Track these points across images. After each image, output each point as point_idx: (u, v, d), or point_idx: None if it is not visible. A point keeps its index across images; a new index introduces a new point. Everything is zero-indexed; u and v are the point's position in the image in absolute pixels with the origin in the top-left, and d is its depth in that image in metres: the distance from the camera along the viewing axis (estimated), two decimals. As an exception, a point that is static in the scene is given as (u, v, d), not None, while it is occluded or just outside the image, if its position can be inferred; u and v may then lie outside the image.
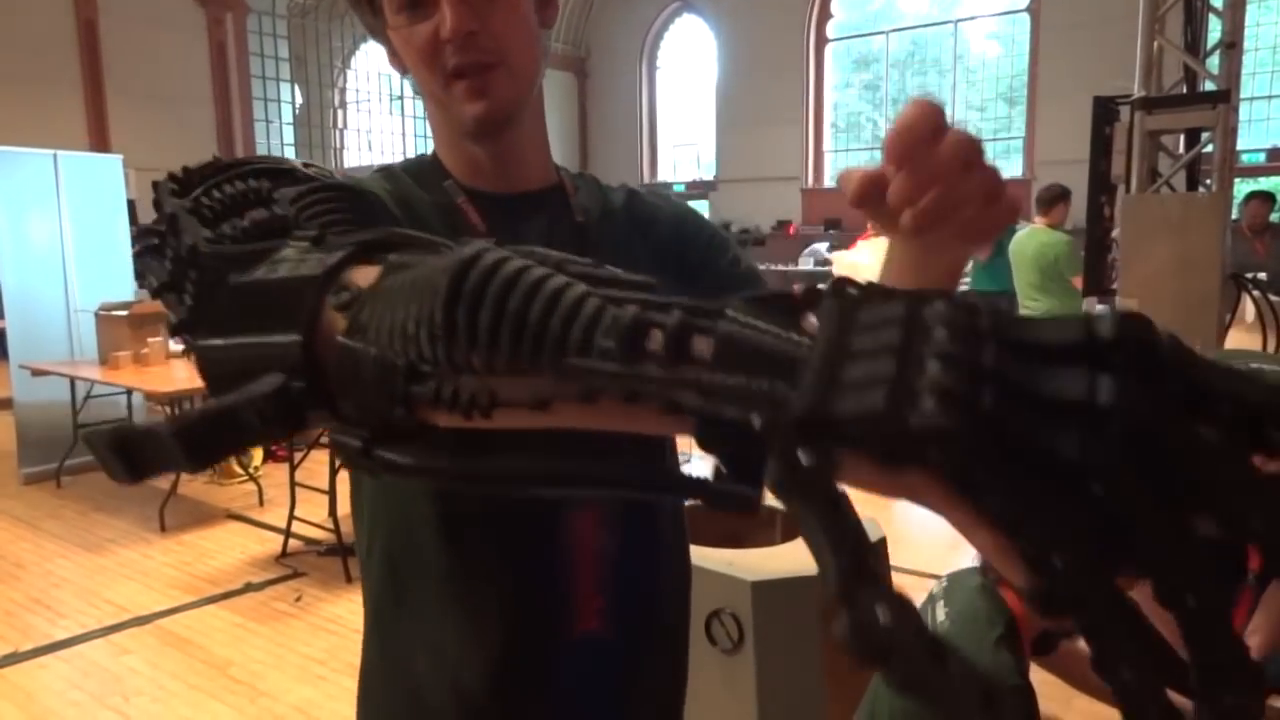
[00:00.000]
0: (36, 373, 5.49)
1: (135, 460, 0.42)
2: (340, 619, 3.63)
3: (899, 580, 2.44)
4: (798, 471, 0.28)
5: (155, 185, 0.62)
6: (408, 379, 0.38)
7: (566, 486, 0.40)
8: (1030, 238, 5.39)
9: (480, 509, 0.86)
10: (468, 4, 0.78)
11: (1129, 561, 0.26)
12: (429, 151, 0.93)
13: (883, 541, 2.36)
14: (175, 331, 0.53)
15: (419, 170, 0.89)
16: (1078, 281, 4.88)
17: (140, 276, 0.64)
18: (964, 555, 1.89)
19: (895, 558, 2.45)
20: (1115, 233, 4.14)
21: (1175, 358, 0.27)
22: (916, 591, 1.97)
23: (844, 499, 0.28)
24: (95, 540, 4.62)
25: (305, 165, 0.64)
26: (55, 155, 5.91)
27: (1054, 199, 5.35)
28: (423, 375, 0.38)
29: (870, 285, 0.32)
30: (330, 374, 0.41)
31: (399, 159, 0.93)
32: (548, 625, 0.88)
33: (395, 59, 0.86)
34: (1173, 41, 3.95)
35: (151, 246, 0.60)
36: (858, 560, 0.27)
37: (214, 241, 0.51)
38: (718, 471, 0.36)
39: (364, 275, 0.43)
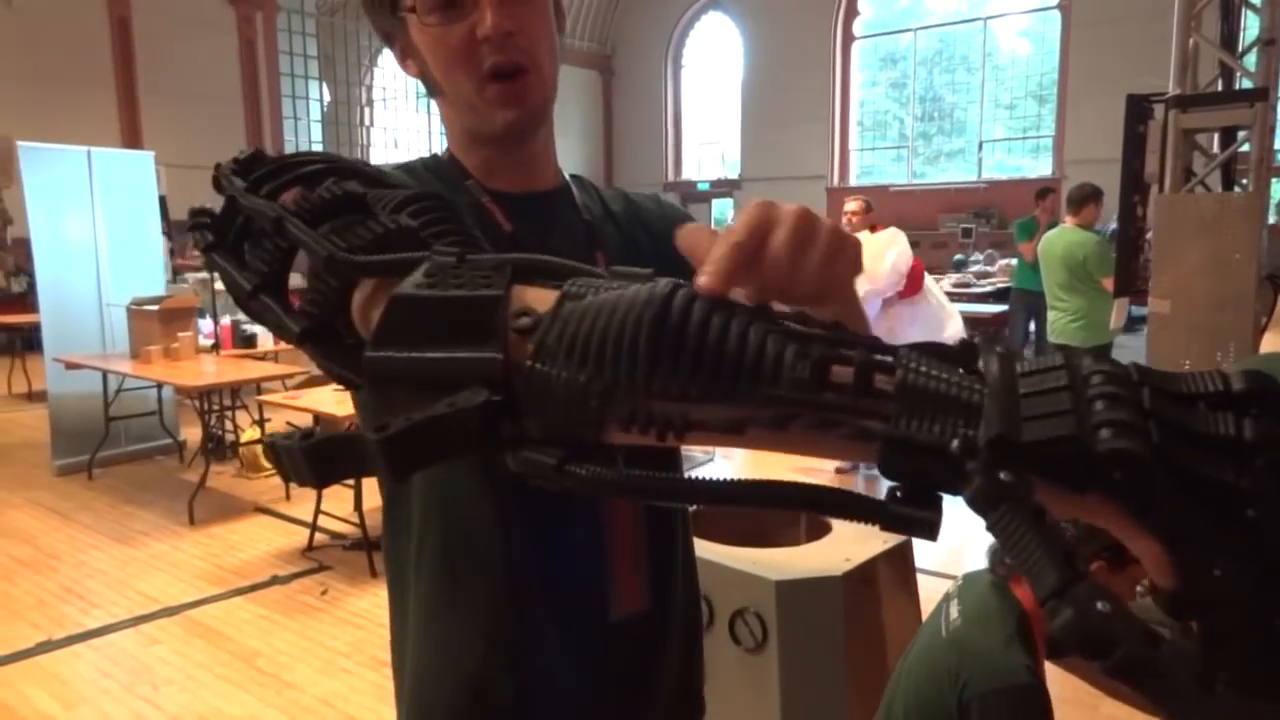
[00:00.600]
0: (70, 366, 5.58)
1: (329, 468, 0.44)
2: (365, 613, 3.66)
3: (926, 581, 2.42)
4: (1001, 487, 0.32)
5: (217, 177, 0.61)
6: (603, 400, 0.40)
7: (766, 503, 0.42)
8: (1059, 237, 5.33)
9: (533, 504, 0.87)
10: (505, 6, 0.78)
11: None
12: (443, 151, 0.93)
13: (908, 543, 2.34)
14: (300, 340, 0.53)
15: (439, 170, 0.90)
16: (1108, 283, 4.81)
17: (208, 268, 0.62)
18: (979, 556, 1.88)
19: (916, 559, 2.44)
20: (1149, 233, 4.08)
21: None
22: (935, 592, 1.95)
23: (1044, 510, 0.32)
24: (126, 532, 4.69)
25: (363, 163, 0.64)
26: (89, 152, 6.00)
27: (1084, 199, 5.28)
28: (617, 399, 0.41)
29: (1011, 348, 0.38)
30: (518, 391, 0.42)
31: (425, 156, 0.94)
32: (596, 607, 0.91)
33: (409, 61, 0.86)
34: (1209, 38, 3.88)
35: (215, 243, 0.59)
36: (1070, 562, 0.31)
37: (348, 251, 0.51)
38: (892, 495, 0.38)
39: (533, 296, 0.45)
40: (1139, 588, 1.62)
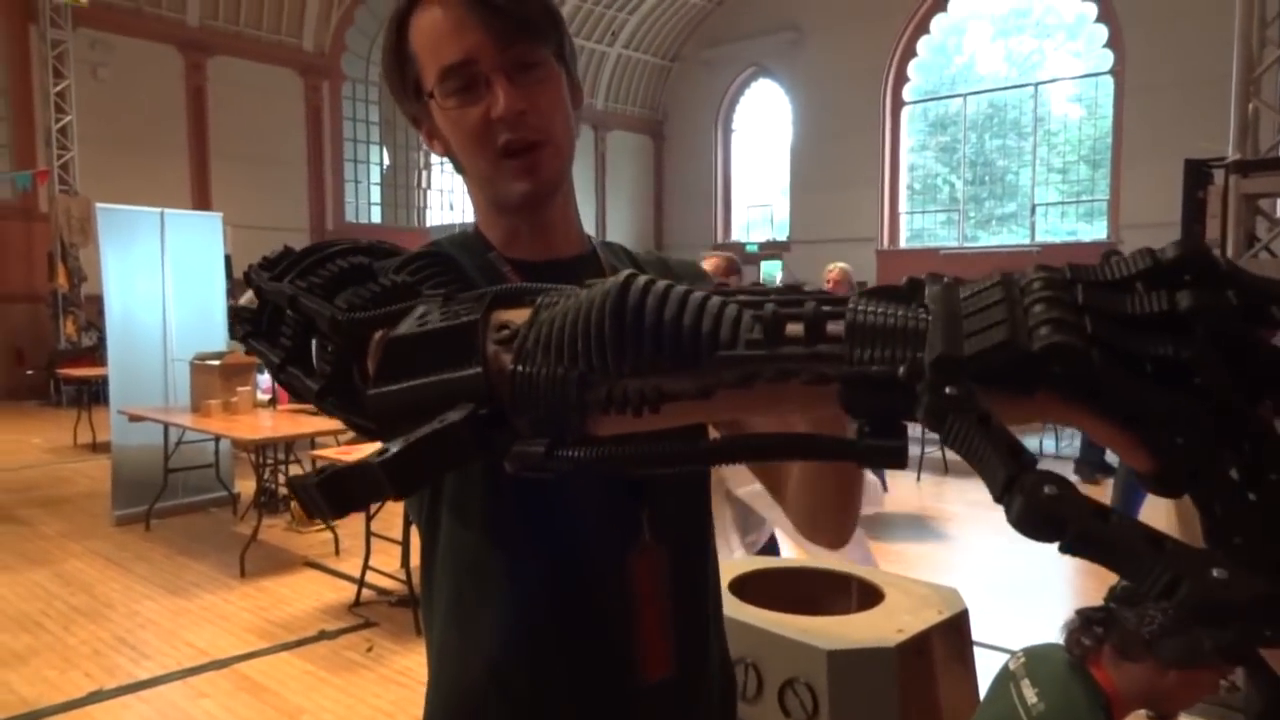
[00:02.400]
0: (133, 418, 5.75)
1: (342, 497, 0.47)
2: (410, 671, 3.64)
3: (977, 653, 2.34)
4: (946, 400, 0.34)
5: (248, 274, 0.68)
6: (580, 388, 0.44)
7: (739, 456, 0.44)
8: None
9: (558, 571, 0.88)
10: (517, 87, 0.83)
11: (1238, 437, 0.32)
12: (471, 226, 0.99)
13: (965, 614, 2.27)
14: (319, 399, 0.58)
15: (464, 244, 0.94)
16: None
17: (241, 338, 0.69)
18: (1043, 631, 1.81)
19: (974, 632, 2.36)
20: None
21: (1231, 269, 0.34)
22: (991, 665, 1.88)
23: (990, 414, 0.34)
24: (179, 583, 4.76)
25: (381, 243, 0.70)
26: (162, 213, 6.26)
27: (1142, 263, 5.20)
28: (591, 384, 0.44)
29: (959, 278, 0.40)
30: (504, 399, 0.46)
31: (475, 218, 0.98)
32: (622, 673, 0.89)
33: (434, 141, 0.91)
34: (1268, 103, 3.84)
35: (252, 331, 0.67)
36: (1016, 454, 0.32)
37: (349, 311, 0.56)
38: (860, 432, 0.40)
39: (510, 314, 0.50)
40: (1223, 682, 1.55)
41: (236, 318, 0.69)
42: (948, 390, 0.34)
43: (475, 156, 0.86)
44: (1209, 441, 0.32)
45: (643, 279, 0.45)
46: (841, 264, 5.84)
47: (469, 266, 0.89)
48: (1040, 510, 0.31)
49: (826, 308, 0.41)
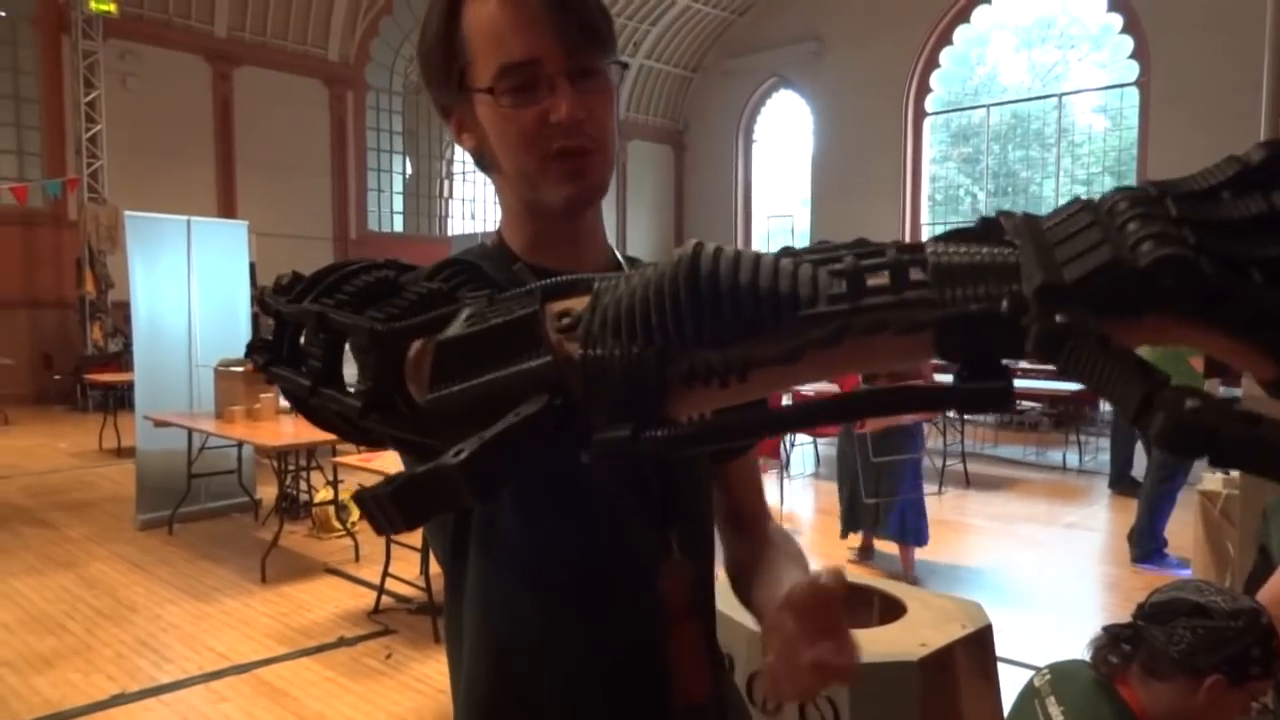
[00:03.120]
0: (159, 424, 5.81)
1: (418, 505, 0.44)
2: (428, 679, 3.65)
3: (1001, 669, 2.31)
4: (1060, 328, 0.32)
5: (263, 301, 0.65)
6: (660, 364, 0.41)
7: (841, 416, 0.42)
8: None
9: (579, 587, 0.87)
10: (579, 94, 0.80)
11: None
12: (495, 232, 0.96)
13: (988, 629, 2.25)
14: (363, 416, 0.54)
15: (488, 257, 0.91)
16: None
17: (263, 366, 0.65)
18: (1068, 647, 1.79)
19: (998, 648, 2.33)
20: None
21: None
22: (1015, 682, 1.86)
23: (1109, 336, 0.32)
24: (202, 588, 4.79)
25: (397, 260, 0.67)
26: (189, 221, 6.34)
27: (1169, 275, 5.14)
28: (670, 359, 0.41)
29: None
30: (576, 389, 0.43)
31: (497, 226, 0.95)
32: (657, 696, 0.88)
33: (465, 135, 0.88)
34: (1299, 115, 3.80)
35: (273, 359, 0.63)
36: (1147, 371, 0.31)
37: (387, 321, 0.53)
38: (959, 376, 0.38)
39: (568, 305, 0.47)
40: (1255, 704, 1.52)
41: (253, 348, 0.65)
42: (1058, 318, 0.32)
43: (522, 157, 0.82)
44: None
45: (712, 245, 0.43)
46: None
47: (496, 278, 0.88)
48: (1186, 424, 0.29)
49: (907, 255, 0.39)
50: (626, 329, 0.42)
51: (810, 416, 0.41)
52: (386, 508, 0.45)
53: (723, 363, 0.41)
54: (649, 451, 0.42)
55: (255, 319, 7.70)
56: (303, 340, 0.62)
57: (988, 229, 0.39)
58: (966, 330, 0.36)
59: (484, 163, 0.88)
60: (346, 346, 0.58)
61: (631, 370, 0.42)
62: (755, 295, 0.40)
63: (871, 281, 0.39)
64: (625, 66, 0.87)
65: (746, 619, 2.08)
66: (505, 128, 0.81)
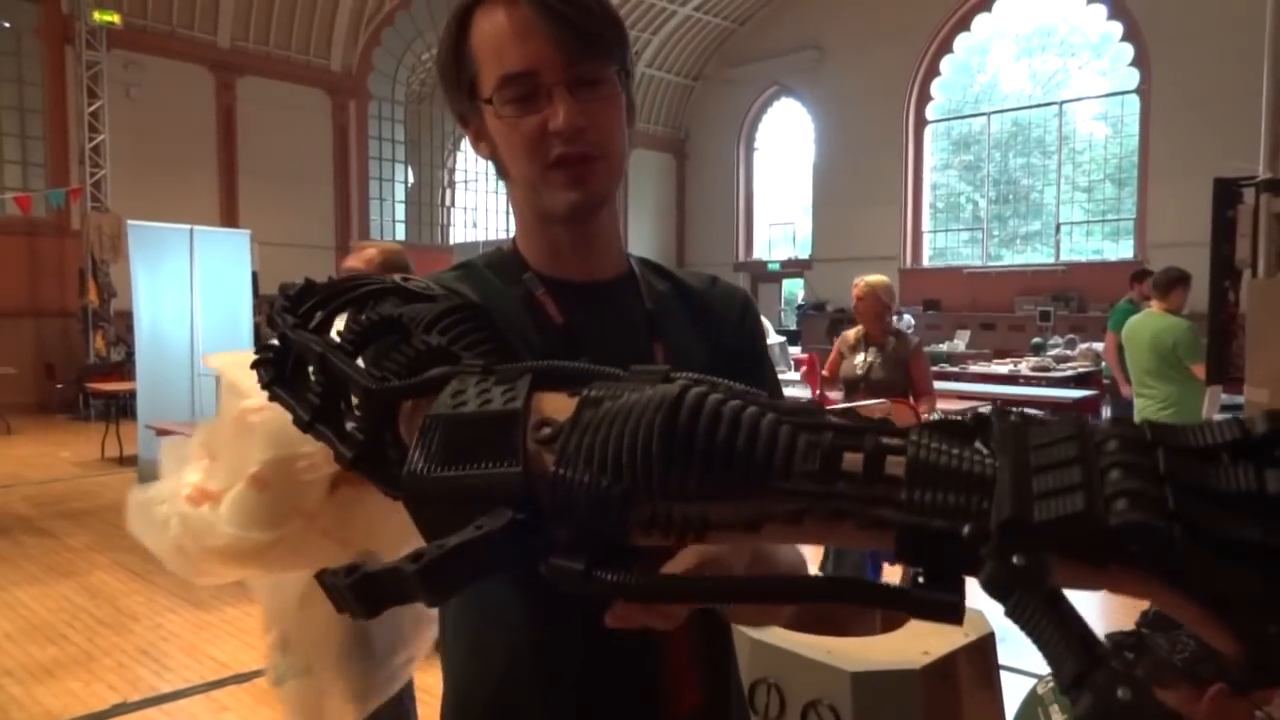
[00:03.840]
0: (160, 432, 5.81)
1: (375, 599, 0.46)
2: (428, 688, 3.62)
3: (1004, 677, 2.30)
4: (1014, 571, 0.32)
5: (272, 318, 0.66)
6: (623, 504, 0.42)
7: (779, 597, 0.42)
8: (1146, 323, 5.17)
9: (576, 613, 0.85)
10: (578, 102, 0.81)
11: None
12: (511, 238, 0.96)
13: (991, 637, 2.24)
14: (353, 466, 0.56)
15: (500, 264, 0.92)
16: (1199, 369, 4.63)
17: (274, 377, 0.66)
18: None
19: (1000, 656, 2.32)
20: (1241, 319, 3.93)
21: None
22: (1018, 690, 1.85)
23: (1060, 593, 0.32)
24: (202, 597, 4.78)
25: (404, 279, 0.68)
26: (191, 230, 6.37)
27: (1172, 283, 5.14)
28: (635, 502, 0.42)
29: (1026, 413, 0.37)
30: (543, 502, 0.44)
31: (501, 235, 0.95)
32: (651, 706, 0.87)
33: (481, 144, 0.89)
34: (1299, 122, 3.79)
35: (276, 377, 0.64)
36: (1089, 645, 0.30)
37: (381, 379, 0.55)
38: (914, 581, 0.38)
39: (552, 405, 0.48)
40: (1259, 712, 1.51)
41: (259, 360, 0.66)
42: (1015, 560, 0.32)
43: (525, 164, 0.84)
44: None
45: (695, 394, 0.43)
46: (871, 278, 4.72)
47: (503, 294, 0.88)
48: (1111, 714, 0.29)
49: (886, 440, 0.39)
50: (599, 459, 0.43)
51: (761, 592, 0.43)
52: (346, 596, 0.46)
53: (683, 518, 0.41)
54: (596, 592, 0.43)
55: (258, 328, 7.73)
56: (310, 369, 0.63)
57: (978, 425, 0.38)
58: (927, 543, 0.36)
59: (500, 172, 0.90)
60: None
61: (596, 504, 0.42)
62: (728, 458, 0.40)
63: (846, 465, 0.39)
64: (628, 74, 0.87)
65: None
66: (509, 137, 0.83)
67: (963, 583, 0.37)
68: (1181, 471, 0.32)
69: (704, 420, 0.41)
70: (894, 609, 0.39)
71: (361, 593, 0.46)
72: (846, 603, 0.41)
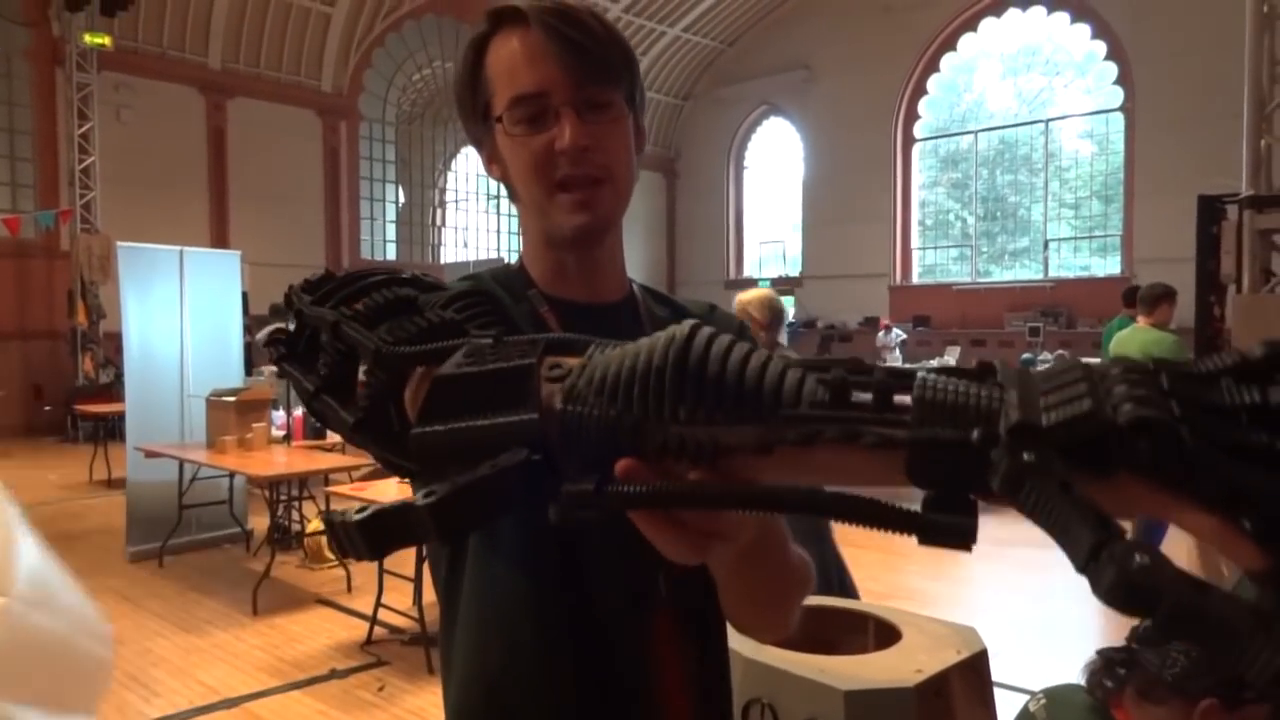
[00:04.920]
0: (149, 454, 5.78)
1: (383, 538, 0.45)
2: (421, 711, 3.61)
3: (996, 694, 2.30)
4: (1025, 465, 0.32)
5: (289, 296, 0.67)
6: (634, 433, 0.42)
7: (799, 507, 0.42)
8: (1133, 337, 5.21)
9: (569, 612, 0.86)
10: (585, 124, 0.83)
11: None
12: (518, 255, 0.98)
13: (984, 654, 2.24)
14: (353, 431, 0.56)
15: (506, 279, 0.93)
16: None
17: (279, 374, 0.68)
18: (1063, 671, 1.78)
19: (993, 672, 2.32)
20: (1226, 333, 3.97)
21: None
22: (1011, 707, 1.85)
23: (1071, 482, 0.31)
24: (192, 620, 4.74)
25: (423, 275, 0.69)
26: (181, 251, 6.34)
27: (1158, 298, 5.18)
28: (645, 431, 0.42)
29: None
30: (553, 442, 0.44)
31: (493, 255, 0.97)
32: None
33: (494, 166, 0.91)
34: (1280, 139, 3.85)
35: (286, 354, 0.65)
36: (1104, 520, 0.30)
37: (393, 343, 0.55)
38: (926, 504, 0.38)
39: (566, 360, 0.48)
40: None
41: (274, 338, 0.68)
42: (1025, 456, 0.32)
43: (532, 185, 0.86)
44: None
45: (707, 331, 0.44)
46: (744, 295, 4.26)
47: (510, 307, 0.89)
48: (1132, 581, 0.28)
49: (895, 379, 0.39)
50: (610, 392, 0.43)
51: (779, 500, 0.42)
52: (354, 536, 0.45)
53: (695, 443, 0.41)
54: (610, 506, 0.42)
55: (248, 348, 7.69)
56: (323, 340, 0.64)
57: (982, 372, 0.39)
58: (937, 456, 0.36)
59: (510, 193, 0.92)
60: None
61: (607, 430, 0.43)
62: (740, 386, 0.41)
63: (855, 397, 0.39)
64: (637, 101, 0.90)
65: (741, 646, 2.07)
66: (517, 155, 0.85)
67: (975, 505, 0.37)
68: (1186, 389, 0.32)
69: (716, 352, 0.42)
70: (904, 531, 0.38)
71: (370, 530, 0.45)
72: (859, 523, 0.40)
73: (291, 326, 0.67)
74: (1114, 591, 0.28)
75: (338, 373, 0.60)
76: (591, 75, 0.83)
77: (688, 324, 0.44)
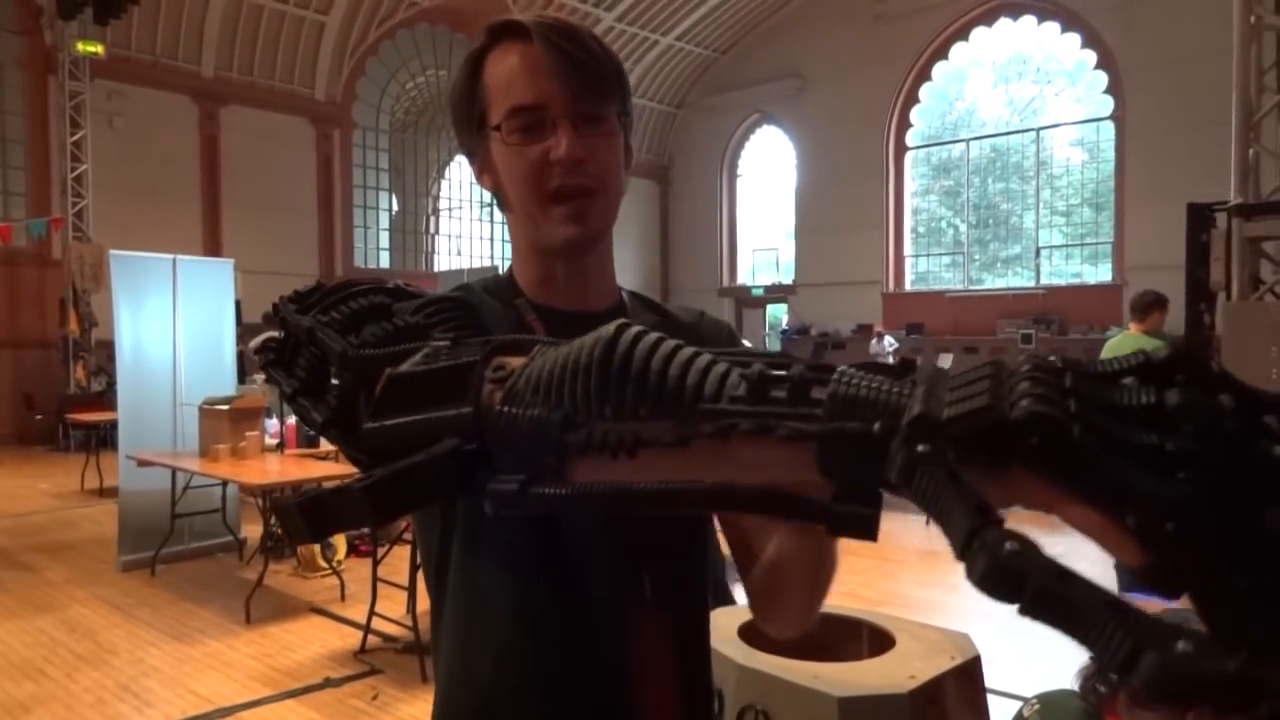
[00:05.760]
0: (141, 463, 5.75)
1: (322, 519, 0.48)
2: (415, 719, 3.60)
3: (990, 700, 2.30)
4: (918, 455, 0.33)
5: (276, 305, 0.71)
6: (562, 429, 0.44)
7: (707, 503, 0.43)
8: (1124, 344, 5.23)
9: (554, 612, 0.87)
10: (581, 135, 0.86)
11: (1229, 532, 0.29)
12: (505, 269, 1.00)
13: (977, 660, 2.25)
14: (324, 429, 0.59)
15: (496, 288, 0.96)
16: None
17: (268, 380, 0.72)
18: (1056, 677, 1.79)
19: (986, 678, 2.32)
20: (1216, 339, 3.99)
21: (1224, 374, 0.32)
22: (1005, 712, 1.86)
23: (961, 474, 0.32)
24: (184, 630, 4.72)
25: (406, 285, 0.72)
26: (174, 260, 6.33)
27: (1149, 305, 5.21)
28: (575, 426, 0.44)
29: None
30: (490, 436, 0.47)
31: (486, 263, 0.99)
32: None
33: (485, 176, 0.94)
34: (1268, 148, 3.88)
35: (274, 360, 0.69)
36: (983, 510, 0.31)
37: (359, 347, 0.58)
38: (834, 495, 0.40)
39: (512, 362, 0.50)
40: None
41: (264, 347, 0.72)
42: (920, 448, 0.34)
43: (526, 194, 0.88)
44: (1203, 528, 0.30)
45: (635, 329, 0.46)
46: None
47: (494, 312, 0.90)
48: (1001, 566, 0.29)
49: (812, 372, 0.41)
50: (543, 391, 0.45)
51: (696, 497, 0.43)
52: (295, 518, 0.48)
53: (617, 437, 0.43)
54: (534, 507, 0.44)
55: (240, 357, 7.67)
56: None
57: (903, 369, 0.40)
58: (844, 448, 0.38)
59: (500, 202, 0.94)
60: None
61: (535, 429, 0.45)
62: (662, 381, 0.43)
63: (773, 392, 0.41)
64: (627, 117, 0.93)
65: (735, 653, 2.07)
66: (512, 163, 0.87)
67: (879, 498, 0.38)
68: (1086, 389, 0.33)
69: (640, 349, 0.44)
70: (813, 522, 0.40)
71: (309, 512, 0.47)
72: (770, 515, 0.42)
73: (281, 335, 0.71)
74: (985, 576, 0.30)
75: (314, 376, 0.63)
76: (588, 90, 0.86)
77: (615, 323, 0.46)
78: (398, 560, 4.65)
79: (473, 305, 0.81)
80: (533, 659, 0.88)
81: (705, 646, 0.97)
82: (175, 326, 6.26)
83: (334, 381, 0.62)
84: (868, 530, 0.39)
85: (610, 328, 0.46)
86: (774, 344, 17.65)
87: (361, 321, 0.63)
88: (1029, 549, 0.29)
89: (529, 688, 0.88)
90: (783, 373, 0.41)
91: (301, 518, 0.48)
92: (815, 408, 0.39)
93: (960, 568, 0.33)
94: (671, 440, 0.42)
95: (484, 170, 0.93)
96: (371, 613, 4.36)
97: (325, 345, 0.61)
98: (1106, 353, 5.33)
